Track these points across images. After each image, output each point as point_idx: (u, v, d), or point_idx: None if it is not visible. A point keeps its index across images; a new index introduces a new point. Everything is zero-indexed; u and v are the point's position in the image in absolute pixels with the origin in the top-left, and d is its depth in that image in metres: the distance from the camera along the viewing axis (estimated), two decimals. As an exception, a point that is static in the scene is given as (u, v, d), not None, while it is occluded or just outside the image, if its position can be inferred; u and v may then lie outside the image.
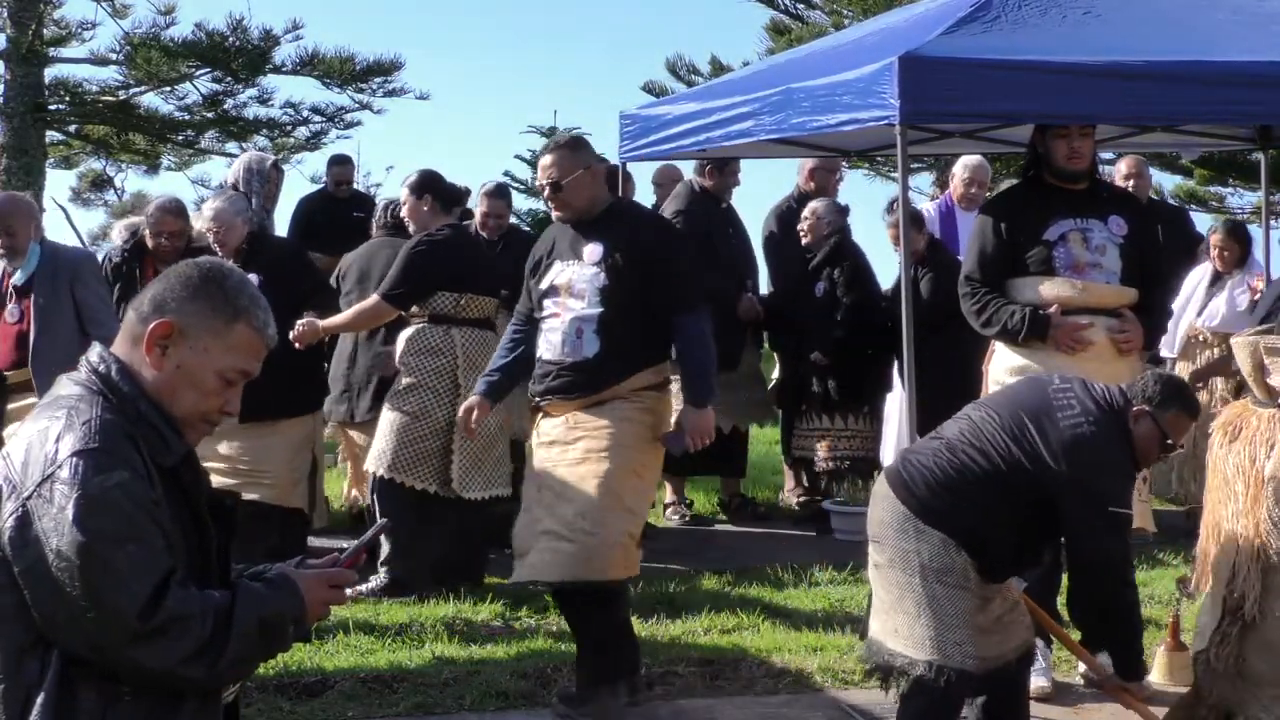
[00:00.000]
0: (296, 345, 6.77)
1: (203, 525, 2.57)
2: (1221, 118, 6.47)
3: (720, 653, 6.07)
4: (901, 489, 4.40)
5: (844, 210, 8.79)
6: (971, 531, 4.30)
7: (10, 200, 6.63)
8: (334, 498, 8.66)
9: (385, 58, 18.34)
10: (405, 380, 6.89)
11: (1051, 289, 5.55)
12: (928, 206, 9.44)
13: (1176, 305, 7.74)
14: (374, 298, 6.94)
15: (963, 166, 8.96)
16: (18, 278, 6.31)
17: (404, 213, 7.22)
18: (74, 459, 2.38)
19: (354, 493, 8.08)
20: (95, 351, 2.57)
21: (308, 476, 7.21)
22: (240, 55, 17.70)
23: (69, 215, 20.32)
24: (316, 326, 6.87)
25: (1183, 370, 7.77)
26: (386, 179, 21.22)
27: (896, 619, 4.41)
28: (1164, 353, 7.91)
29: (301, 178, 19.86)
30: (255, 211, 7.81)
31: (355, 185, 11.72)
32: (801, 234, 8.71)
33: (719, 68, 18.42)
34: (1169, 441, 4.44)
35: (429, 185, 7.13)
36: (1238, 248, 8.05)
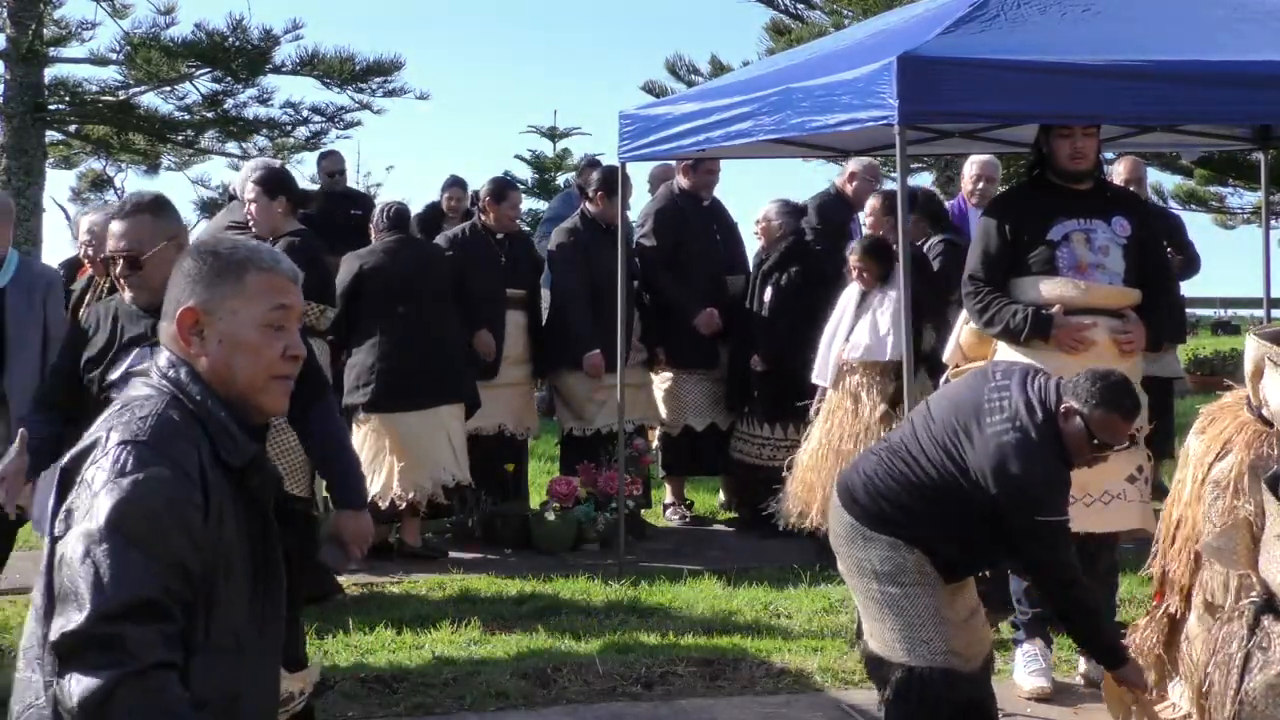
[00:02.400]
0: None
1: (268, 529, 2.52)
2: (1221, 118, 6.46)
3: (720, 653, 6.07)
4: (846, 498, 4.40)
5: (798, 212, 8.81)
6: (915, 536, 4.29)
7: None
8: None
9: (385, 58, 18.33)
10: None
11: (1054, 289, 5.55)
12: None
13: (827, 329, 7.52)
14: None
15: (971, 164, 8.94)
16: (1, 279, 6.06)
17: (250, 210, 6.80)
18: (119, 448, 2.38)
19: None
20: (164, 357, 2.56)
21: None
22: (240, 55, 17.69)
23: (69, 215, 20.33)
24: None
25: (836, 398, 7.40)
26: (387, 179, 21.23)
27: (869, 625, 4.44)
28: (816, 380, 7.58)
29: (301, 178, 19.85)
30: None
31: (355, 185, 11.72)
32: (756, 236, 8.77)
33: (719, 68, 18.42)
34: (1096, 442, 4.29)
35: (283, 185, 6.82)
36: (876, 266, 7.45)
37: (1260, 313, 7.60)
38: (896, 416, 7.19)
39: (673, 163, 8.94)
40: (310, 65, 18.03)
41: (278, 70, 18.19)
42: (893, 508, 4.32)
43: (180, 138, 18.92)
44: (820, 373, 7.57)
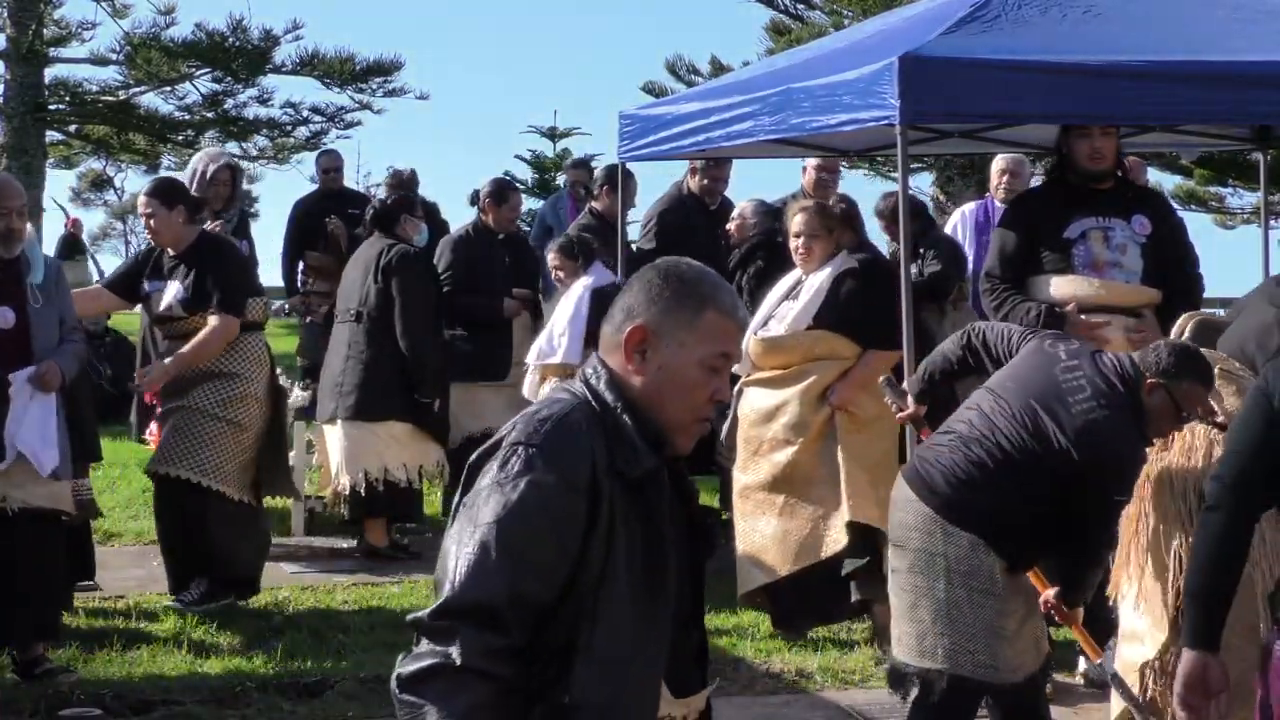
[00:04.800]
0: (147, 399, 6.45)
1: (660, 543, 2.51)
2: (1221, 118, 6.46)
3: (720, 653, 6.06)
4: (923, 489, 4.34)
5: (773, 213, 8.78)
6: (997, 524, 4.25)
7: (11, 180, 6.09)
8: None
9: (385, 58, 18.36)
10: (232, 390, 6.65)
11: (1069, 287, 5.56)
12: (966, 209, 9.31)
13: (545, 338, 7.35)
14: (225, 317, 6.58)
15: (997, 160, 8.89)
16: (35, 277, 5.75)
17: (149, 224, 6.77)
18: (510, 449, 2.44)
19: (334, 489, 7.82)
20: (591, 362, 2.60)
21: None
22: (240, 55, 17.71)
23: (69, 215, 20.34)
24: (165, 369, 6.54)
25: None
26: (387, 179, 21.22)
27: (904, 627, 4.37)
28: (525, 394, 7.38)
29: (301, 177, 19.88)
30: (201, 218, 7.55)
31: (355, 185, 11.73)
32: (729, 234, 8.73)
33: (719, 68, 18.40)
34: (1184, 414, 4.32)
35: (180, 194, 6.77)
36: (573, 265, 7.43)
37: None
38: None
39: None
40: (310, 65, 18.04)
41: (278, 70, 18.21)
42: (973, 494, 4.27)
43: (180, 138, 18.94)
44: (531, 390, 7.45)
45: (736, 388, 6.22)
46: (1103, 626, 5.75)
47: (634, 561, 2.47)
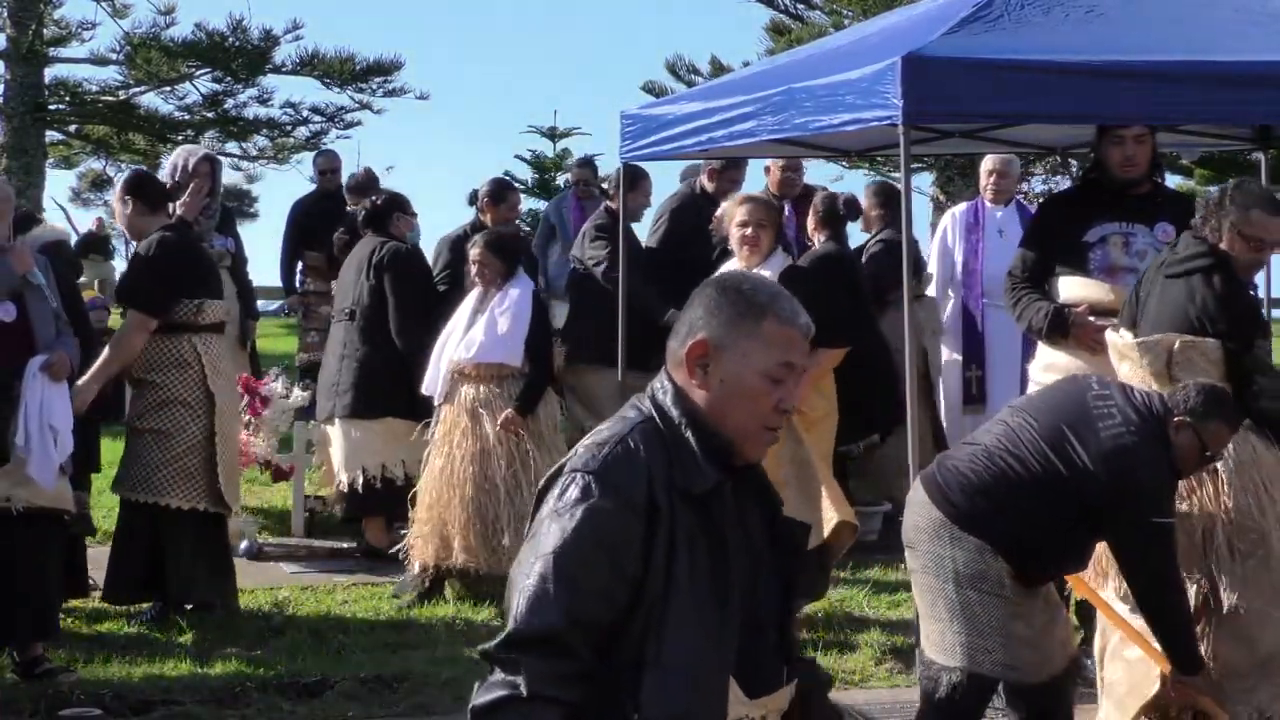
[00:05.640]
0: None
1: (723, 555, 2.54)
2: (1222, 118, 6.46)
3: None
4: (937, 495, 4.38)
5: None
6: (1009, 537, 4.28)
7: None
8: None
9: (385, 58, 18.40)
10: (150, 398, 6.41)
11: (1079, 290, 5.56)
12: (957, 210, 9.30)
13: (441, 336, 7.04)
14: (133, 314, 6.42)
15: (986, 160, 8.89)
16: (37, 277, 5.76)
17: (114, 217, 6.88)
18: (569, 476, 2.52)
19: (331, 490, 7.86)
20: (659, 377, 2.65)
21: None
22: (240, 55, 17.75)
23: (69, 215, 20.37)
24: (91, 392, 6.28)
25: (452, 416, 6.88)
26: (386, 179, 21.21)
27: (928, 625, 4.41)
28: (425, 392, 7.08)
29: (301, 177, 19.90)
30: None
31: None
32: (712, 232, 8.70)
33: (719, 68, 18.42)
34: (1208, 453, 4.39)
35: (133, 187, 6.69)
36: (499, 262, 6.99)
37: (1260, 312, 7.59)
38: (528, 429, 6.80)
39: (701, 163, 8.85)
40: (310, 65, 18.07)
41: (278, 70, 18.24)
42: (989, 505, 4.30)
43: (180, 138, 18.95)
44: (430, 385, 7.03)
45: None
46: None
47: (698, 573, 2.51)
